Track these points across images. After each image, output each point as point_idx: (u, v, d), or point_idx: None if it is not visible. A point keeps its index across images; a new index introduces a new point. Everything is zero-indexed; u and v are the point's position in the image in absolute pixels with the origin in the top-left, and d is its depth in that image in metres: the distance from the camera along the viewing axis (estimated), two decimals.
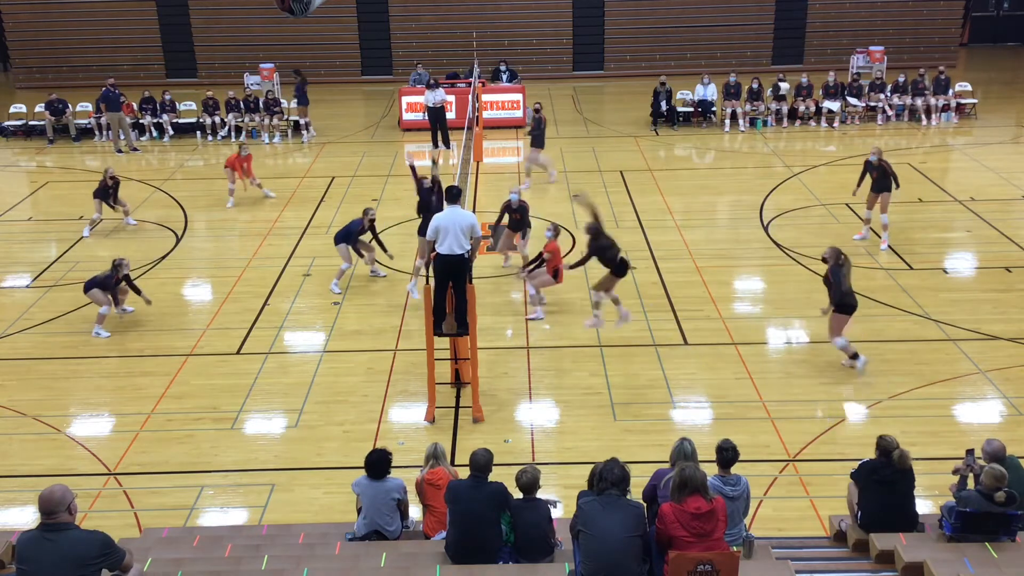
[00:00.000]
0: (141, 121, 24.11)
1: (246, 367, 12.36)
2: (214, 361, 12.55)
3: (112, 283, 13.23)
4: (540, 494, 7.33)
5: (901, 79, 24.34)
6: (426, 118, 22.76)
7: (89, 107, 24.55)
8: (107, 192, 17.13)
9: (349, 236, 14.55)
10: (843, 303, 11.50)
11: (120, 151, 22.78)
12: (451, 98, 23.32)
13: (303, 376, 12.09)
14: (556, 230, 13.59)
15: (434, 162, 15.16)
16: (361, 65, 30.61)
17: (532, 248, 14.76)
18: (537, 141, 19.24)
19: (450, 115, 24.29)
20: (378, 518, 7.88)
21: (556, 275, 13.35)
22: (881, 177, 15.56)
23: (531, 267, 13.58)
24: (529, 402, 11.40)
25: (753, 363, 12.11)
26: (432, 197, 13.98)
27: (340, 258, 14.53)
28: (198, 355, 12.69)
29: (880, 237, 15.83)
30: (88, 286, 13.29)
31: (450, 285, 10.76)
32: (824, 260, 11.76)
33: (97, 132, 24.04)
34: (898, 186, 15.67)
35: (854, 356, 11.64)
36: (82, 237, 17.00)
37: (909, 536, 7.46)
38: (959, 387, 11.48)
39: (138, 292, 13.37)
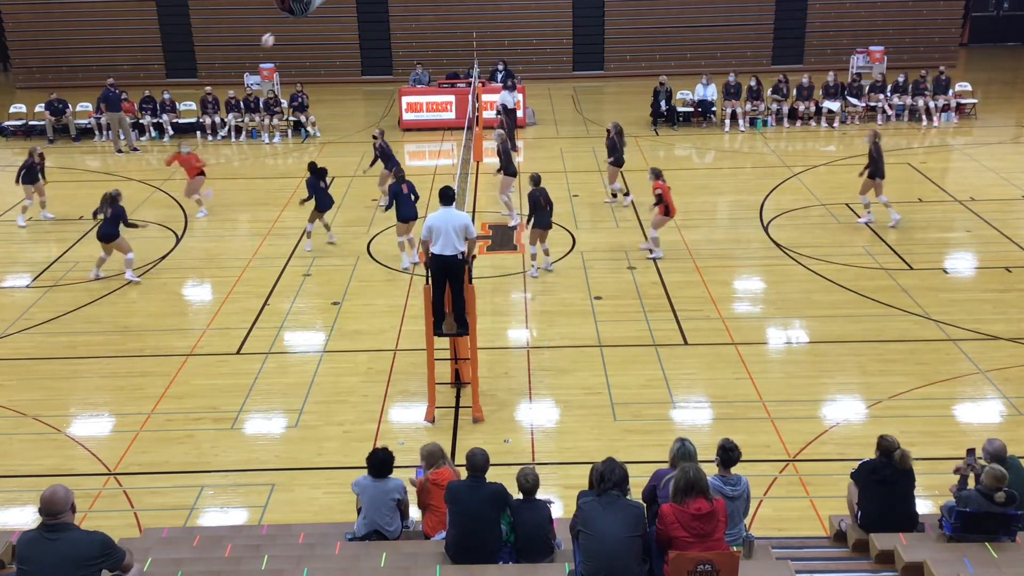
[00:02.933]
0: (141, 121, 24.11)
1: (246, 367, 12.36)
2: (214, 361, 12.55)
3: (34, 171, 16.02)
4: (539, 494, 7.33)
5: (901, 79, 24.32)
6: (502, 116, 22.38)
7: (89, 107, 24.56)
8: (35, 171, 17.64)
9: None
10: (618, 162, 17.88)
11: (120, 151, 22.78)
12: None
13: (303, 376, 12.09)
14: (657, 172, 15.21)
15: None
16: (361, 65, 30.61)
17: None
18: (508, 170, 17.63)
19: (451, 115, 24.41)
20: (378, 518, 7.88)
21: (668, 211, 15.04)
22: (872, 162, 16.21)
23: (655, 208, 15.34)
24: (529, 402, 11.40)
25: (753, 363, 12.11)
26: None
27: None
28: (198, 355, 12.69)
29: (890, 217, 16.48)
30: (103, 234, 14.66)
31: (448, 285, 10.76)
32: (608, 131, 17.84)
33: (97, 132, 24.04)
34: (881, 176, 16.22)
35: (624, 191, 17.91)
36: (20, 227, 17.65)
37: (909, 536, 7.46)
38: (959, 387, 11.48)
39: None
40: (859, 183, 16.64)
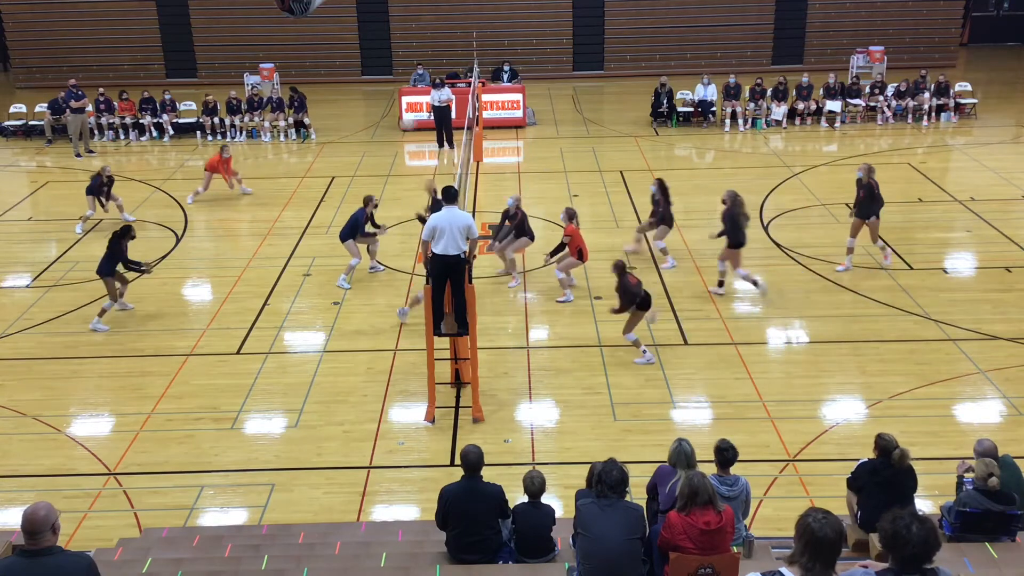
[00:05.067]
0: (141, 121, 24.12)
1: (246, 367, 12.36)
2: (214, 361, 12.55)
3: (99, 188, 14.05)
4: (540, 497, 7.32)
5: (903, 88, 24.13)
6: (431, 117, 22.77)
7: (89, 107, 24.52)
8: (101, 189, 17.26)
9: (355, 230, 14.55)
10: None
11: (79, 155, 22.52)
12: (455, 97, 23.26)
13: (303, 376, 12.08)
14: (571, 214, 13.99)
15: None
16: (361, 65, 30.61)
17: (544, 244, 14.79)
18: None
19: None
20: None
21: (581, 255, 13.88)
22: (867, 199, 14.50)
23: (553, 254, 14.16)
24: (529, 402, 11.40)
25: (753, 363, 12.11)
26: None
27: (348, 255, 14.54)
28: (198, 355, 12.69)
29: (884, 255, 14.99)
30: (103, 269, 13.33)
31: (448, 285, 10.76)
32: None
33: (97, 132, 24.04)
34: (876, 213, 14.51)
35: None
36: (77, 234, 17.06)
37: None
38: (959, 387, 11.48)
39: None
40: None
